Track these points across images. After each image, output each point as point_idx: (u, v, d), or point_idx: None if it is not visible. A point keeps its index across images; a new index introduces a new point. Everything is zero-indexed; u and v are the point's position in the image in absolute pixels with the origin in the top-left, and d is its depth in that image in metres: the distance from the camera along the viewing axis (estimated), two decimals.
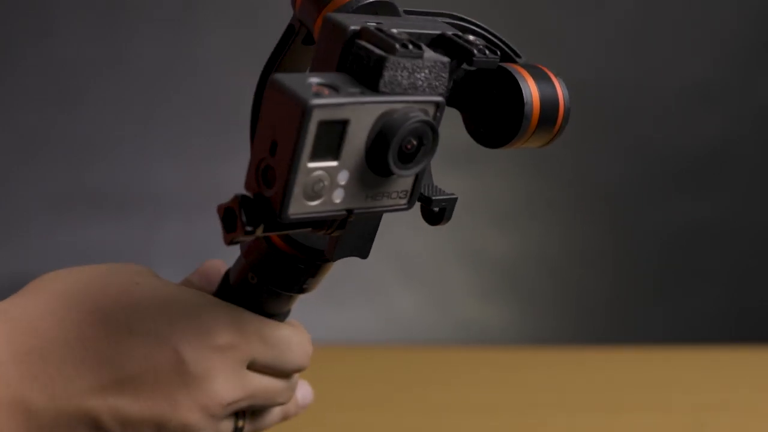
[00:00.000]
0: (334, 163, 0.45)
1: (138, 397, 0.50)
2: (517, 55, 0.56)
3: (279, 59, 0.56)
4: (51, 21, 2.31)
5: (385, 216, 0.55)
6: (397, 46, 0.46)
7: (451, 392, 1.06)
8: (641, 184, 2.43)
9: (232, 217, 0.46)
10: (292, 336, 0.56)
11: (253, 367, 0.54)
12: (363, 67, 0.46)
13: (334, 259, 0.54)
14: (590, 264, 2.43)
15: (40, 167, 2.33)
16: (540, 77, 0.53)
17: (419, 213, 0.56)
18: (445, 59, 0.48)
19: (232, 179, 2.40)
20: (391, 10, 0.53)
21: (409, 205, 0.50)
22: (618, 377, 1.14)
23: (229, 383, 0.52)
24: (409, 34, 0.49)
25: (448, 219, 0.54)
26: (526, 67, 0.54)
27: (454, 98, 0.53)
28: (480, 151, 0.62)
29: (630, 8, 2.40)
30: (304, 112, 0.43)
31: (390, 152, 0.46)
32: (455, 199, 0.53)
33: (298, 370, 0.57)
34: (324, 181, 0.45)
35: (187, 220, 2.33)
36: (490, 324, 2.35)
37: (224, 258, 0.64)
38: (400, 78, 0.46)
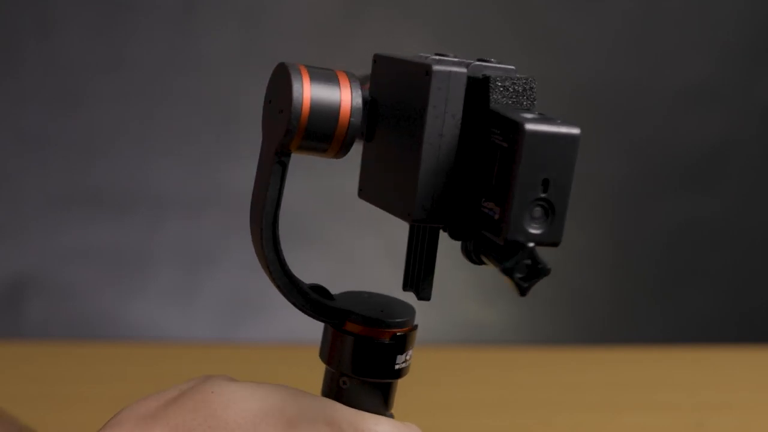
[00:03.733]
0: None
1: None
2: None
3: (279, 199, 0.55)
4: (51, 21, 2.31)
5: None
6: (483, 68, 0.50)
7: (451, 392, 1.06)
8: (641, 184, 2.43)
9: (534, 267, 0.48)
10: (396, 430, 0.55)
11: None
12: (513, 96, 0.50)
13: (406, 289, 0.57)
14: (590, 264, 2.43)
15: (40, 167, 2.33)
16: (323, 79, 0.51)
17: None
18: (530, 78, 0.52)
19: (232, 179, 2.40)
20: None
21: None
22: (618, 377, 1.14)
23: None
24: None
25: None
26: (310, 68, 0.52)
27: None
28: None
29: (630, 8, 2.40)
30: (576, 140, 0.46)
31: None
32: None
33: None
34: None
35: (187, 220, 2.33)
36: (490, 324, 2.35)
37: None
38: (508, 98, 0.50)
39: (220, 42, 2.32)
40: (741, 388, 1.11)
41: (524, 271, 0.47)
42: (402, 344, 0.56)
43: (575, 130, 0.46)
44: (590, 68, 2.39)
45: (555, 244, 0.48)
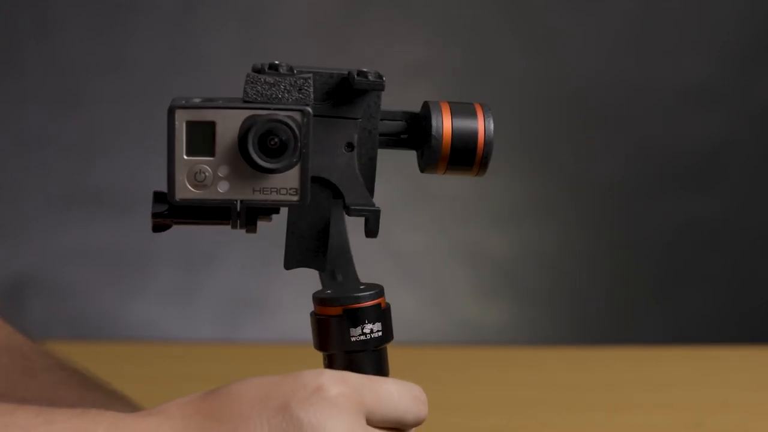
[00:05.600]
0: (210, 158, 0.56)
1: None
2: None
3: None
4: (51, 21, 2.31)
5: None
6: (266, 68, 0.56)
7: (449, 392, 1.06)
8: (641, 184, 2.43)
9: None
10: (401, 387, 0.60)
11: (372, 422, 0.57)
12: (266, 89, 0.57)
13: (287, 268, 0.61)
14: (590, 264, 2.43)
15: (40, 167, 2.33)
16: (462, 112, 0.58)
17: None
18: (308, 75, 0.56)
19: None
20: None
21: (302, 200, 0.57)
22: (617, 377, 1.14)
23: (350, 429, 0.55)
24: (314, 73, 0.58)
25: (373, 232, 0.60)
26: (453, 103, 0.58)
27: (404, 141, 0.60)
28: None
29: (630, 8, 2.40)
30: (170, 113, 0.57)
31: (249, 144, 0.55)
32: (377, 212, 0.59)
33: (417, 422, 0.60)
34: (205, 173, 0.56)
35: None
36: (489, 324, 2.35)
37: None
38: (261, 90, 0.56)
39: (220, 42, 2.32)
40: (741, 388, 1.11)
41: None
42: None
43: (174, 105, 0.57)
44: (590, 68, 2.39)
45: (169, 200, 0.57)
